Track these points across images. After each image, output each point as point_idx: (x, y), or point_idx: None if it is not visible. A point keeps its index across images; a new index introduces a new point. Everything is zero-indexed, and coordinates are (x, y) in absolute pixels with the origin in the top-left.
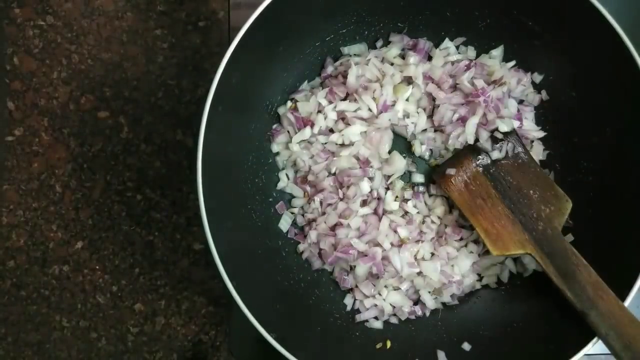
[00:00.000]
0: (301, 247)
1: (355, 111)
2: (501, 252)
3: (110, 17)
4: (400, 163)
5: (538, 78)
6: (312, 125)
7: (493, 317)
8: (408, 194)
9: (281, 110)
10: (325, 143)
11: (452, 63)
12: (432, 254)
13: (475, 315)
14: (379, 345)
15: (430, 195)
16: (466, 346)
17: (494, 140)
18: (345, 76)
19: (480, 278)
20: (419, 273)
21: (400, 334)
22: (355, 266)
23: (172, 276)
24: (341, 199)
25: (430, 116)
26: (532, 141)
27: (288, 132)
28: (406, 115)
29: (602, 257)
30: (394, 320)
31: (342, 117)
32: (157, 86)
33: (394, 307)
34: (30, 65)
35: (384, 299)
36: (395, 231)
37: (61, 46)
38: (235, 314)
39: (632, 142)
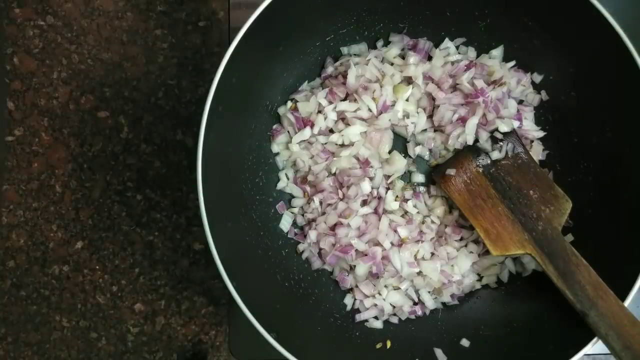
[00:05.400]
0: (301, 247)
1: (355, 111)
2: (501, 252)
3: (110, 17)
4: (400, 163)
5: (538, 78)
6: (312, 126)
7: (493, 317)
8: (408, 193)
9: (281, 110)
10: (325, 143)
11: (452, 63)
12: (432, 254)
13: (475, 315)
14: (379, 345)
15: (430, 196)
16: (465, 342)
17: (494, 140)
18: (345, 76)
19: (480, 278)
20: (419, 273)
21: (400, 334)
22: (355, 266)
23: (172, 276)
24: (341, 199)
25: (430, 116)
26: (532, 141)
27: (288, 132)
28: (406, 115)
29: (602, 257)
30: (394, 320)
31: (342, 118)
32: (157, 86)
33: (394, 306)
34: (30, 65)
35: (384, 299)
36: (395, 231)
37: (61, 46)
38: (235, 314)
39: (632, 142)
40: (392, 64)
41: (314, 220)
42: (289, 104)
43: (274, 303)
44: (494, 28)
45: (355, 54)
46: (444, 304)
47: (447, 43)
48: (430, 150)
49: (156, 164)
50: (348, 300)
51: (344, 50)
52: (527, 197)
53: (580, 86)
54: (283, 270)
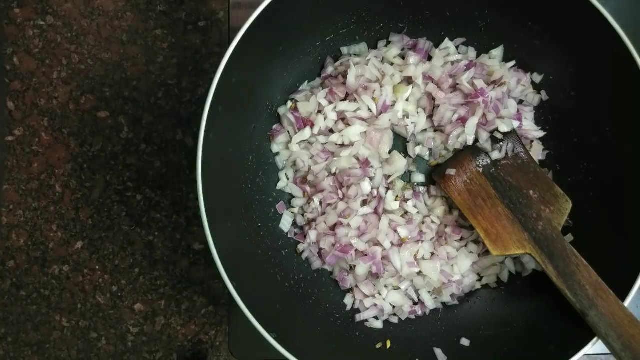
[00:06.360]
0: (301, 247)
1: (355, 111)
2: (501, 252)
3: (110, 17)
4: (400, 163)
5: (538, 78)
6: (312, 126)
7: (493, 317)
8: (408, 193)
9: (281, 110)
10: (325, 143)
11: (452, 63)
12: (432, 254)
13: (475, 315)
14: (379, 345)
15: (430, 196)
16: (465, 342)
17: (494, 140)
18: (345, 76)
19: (480, 278)
20: (419, 273)
21: (400, 334)
22: (355, 266)
23: (172, 276)
24: (341, 199)
25: (430, 116)
26: (532, 141)
27: (288, 132)
28: (406, 115)
29: (602, 257)
30: (394, 319)
31: (342, 118)
32: (157, 86)
33: (394, 306)
34: (30, 65)
35: (384, 299)
36: (395, 231)
37: (61, 46)
38: (235, 314)
39: (632, 142)
40: (392, 64)
41: (314, 220)
42: (289, 104)
43: (274, 303)
44: (494, 28)
45: (355, 54)
46: (444, 304)
47: (447, 43)
48: (430, 150)
49: (156, 164)
50: (348, 300)
51: (344, 50)
52: (527, 197)
53: (580, 86)
54: (283, 270)
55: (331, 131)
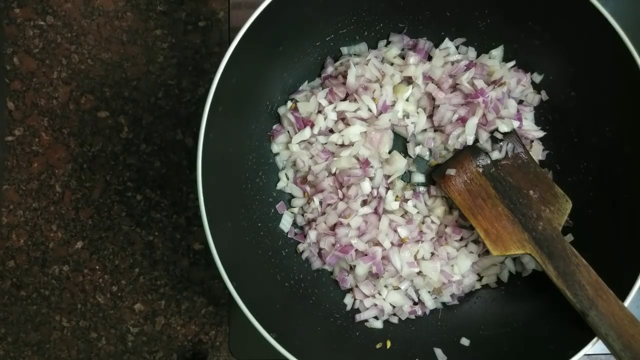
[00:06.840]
0: (301, 247)
1: (355, 111)
2: (501, 252)
3: (110, 17)
4: (400, 163)
5: (538, 78)
6: (312, 126)
7: (493, 317)
8: (408, 193)
9: (281, 110)
10: (325, 143)
11: (452, 63)
12: (432, 254)
13: (475, 315)
14: (379, 345)
15: (430, 196)
16: (465, 342)
17: (494, 140)
18: (345, 76)
19: (480, 278)
20: (419, 273)
21: (400, 334)
22: (355, 266)
23: (172, 276)
24: (341, 199)
25: (430, 116)
26: (532, 141)
27: (288, 132)
28: (406, 115)
29: (602, 257)
30: (394, 319)
31: (342, 118)
32: (157, 86)
33: (394, 306)
34: (30, 65)
35: (384, 299)
36: (395, 231)
37: (61, 46)
38: (235, 314)
39: (632, 142)
40: (392, 64)
41: (314, 220)
42: (289, 104)
43: (274, 303)
44: (494, 28)
45: (355, 54)
46: (444, 304)
47: (447, 43)
48: (430, 150)
49: (156, 164)
50: (348, 300)
51: (344, 50)
52: (527, 197)
53: (580, 86)
54: (283, 270)
55: (331, 131)
